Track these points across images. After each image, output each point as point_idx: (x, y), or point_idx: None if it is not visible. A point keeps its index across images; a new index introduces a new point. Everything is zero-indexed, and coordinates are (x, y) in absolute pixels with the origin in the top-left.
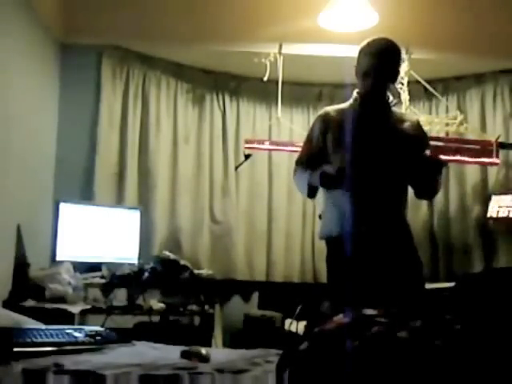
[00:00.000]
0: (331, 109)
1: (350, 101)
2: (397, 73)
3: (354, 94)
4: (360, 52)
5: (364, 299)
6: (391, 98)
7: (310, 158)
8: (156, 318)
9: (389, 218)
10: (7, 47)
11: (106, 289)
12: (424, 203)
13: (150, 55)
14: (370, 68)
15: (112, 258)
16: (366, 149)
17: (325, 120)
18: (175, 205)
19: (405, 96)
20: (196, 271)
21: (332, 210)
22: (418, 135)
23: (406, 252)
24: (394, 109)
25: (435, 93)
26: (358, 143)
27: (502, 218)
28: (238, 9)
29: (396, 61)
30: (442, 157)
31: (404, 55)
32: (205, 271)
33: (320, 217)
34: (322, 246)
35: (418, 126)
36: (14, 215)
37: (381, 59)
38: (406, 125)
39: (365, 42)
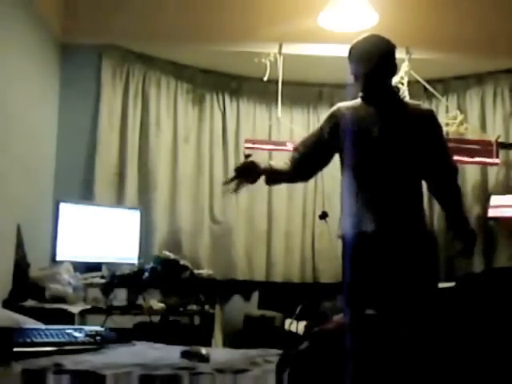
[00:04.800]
0: (343, 106)
1: (359, 99)
2: (390, 66)
3: (360, 93)
4: (348, 58)
5: (375, 298)
6: (401, 90)
7: (303, 146)
8: (156, 318)
9: (404, 216)
10: (7, 47)
11: (106, 289)
12: (424, 203)
13: (150, 55)
14: (358, 73)
15: (112, 257)
16: (377, 147)
17: (336, 117)
18: (175, 205)
19: (405, 96)
20: (196, 271)
21: (348, 209)
22: (432, 129)
23: (422, 251)
24: (407, 101)
25: (435, 93)
26: (369, 141)
27: (502, 218)
28: (238, 9)
29: (384, 58)
30: None
31: (404, 55)
32: (205, 271)
33: (320, 217)
34: (322, 246)
35: (431, 119)
36: (14, 215)
37: (366, 63)
38: (419, 119)
39: (351, 46)
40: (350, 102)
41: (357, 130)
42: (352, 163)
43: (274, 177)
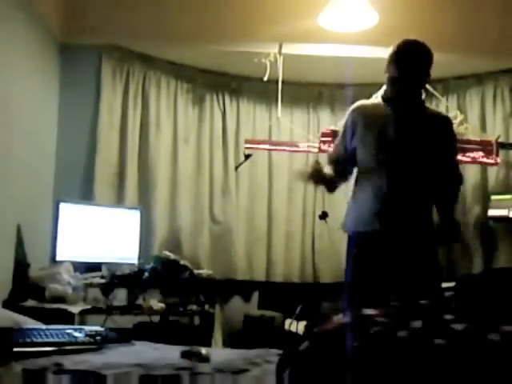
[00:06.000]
0: (364, 103)
1: (379, 99)
2: (428, 74)
3: (382, 91)
4: (389, 58)
5: (377, 297)
6: (423, 95)
7: (335, 159)
8: (156, 318)
9: (413, 217)
10: (7, 47)
11: (106, 289)
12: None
13: (150, 55)
14: (396, 75)
15: (112, 257)
16: (393, 148)
17: (356, 114)
18: (175, 205)
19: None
20: (196, 271)
21: (359, 205)
22: (446, 136)
23: (426, 254)
24: (428, 106)
25: (435, 93)
26: (386, 142)
27: (502, 218)
28: (238, 9)
29: (422, 65)
30: None
31: None
32: (205, 271)
33: (320, 217)
34: (322, 246)
35: (447, 127)
36: (14, 215)
37: (408, 66)
38: (436, 124)
39: (395, 47)
40: (371, 101)
41: (374, 129)
42: (367, 162)
43: (332, 185)
